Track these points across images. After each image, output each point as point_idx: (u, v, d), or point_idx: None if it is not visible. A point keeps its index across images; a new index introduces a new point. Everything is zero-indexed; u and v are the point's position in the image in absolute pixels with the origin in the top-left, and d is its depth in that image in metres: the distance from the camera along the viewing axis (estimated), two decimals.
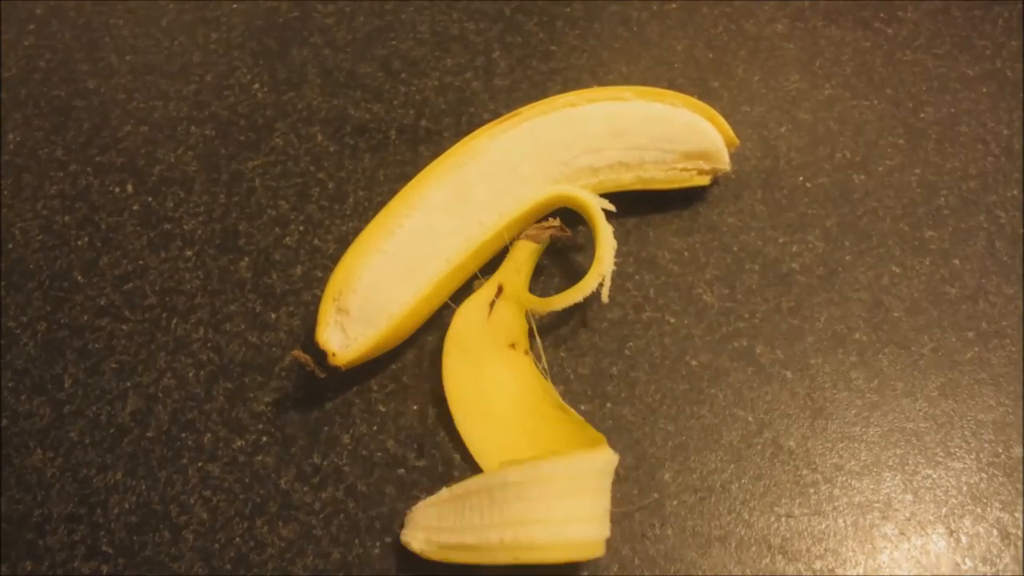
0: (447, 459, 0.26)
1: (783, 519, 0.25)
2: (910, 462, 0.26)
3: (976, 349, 0.28)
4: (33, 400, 0.27)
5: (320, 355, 0.25)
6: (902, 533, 0.24)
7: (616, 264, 0.30)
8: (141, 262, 0.30)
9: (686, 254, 0.30)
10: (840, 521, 0.25)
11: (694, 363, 0.27)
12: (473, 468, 0.25)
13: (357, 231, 0.30)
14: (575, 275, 0.29)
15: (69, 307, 0.29)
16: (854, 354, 0.28)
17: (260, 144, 0.33)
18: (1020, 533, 0.24)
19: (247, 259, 0.30)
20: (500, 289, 0.26)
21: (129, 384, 0.27)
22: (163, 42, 0.36)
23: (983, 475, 0.25)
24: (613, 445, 0.26)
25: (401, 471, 0.25)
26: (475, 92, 0.34)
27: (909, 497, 0.25)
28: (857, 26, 0.37)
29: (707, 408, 0.26)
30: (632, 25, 0.37)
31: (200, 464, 0.25)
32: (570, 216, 0.28)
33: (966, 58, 0.36)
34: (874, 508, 0.25)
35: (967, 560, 0.24)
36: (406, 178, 0.32)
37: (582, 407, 0.27)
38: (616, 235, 0.27)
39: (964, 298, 0.29)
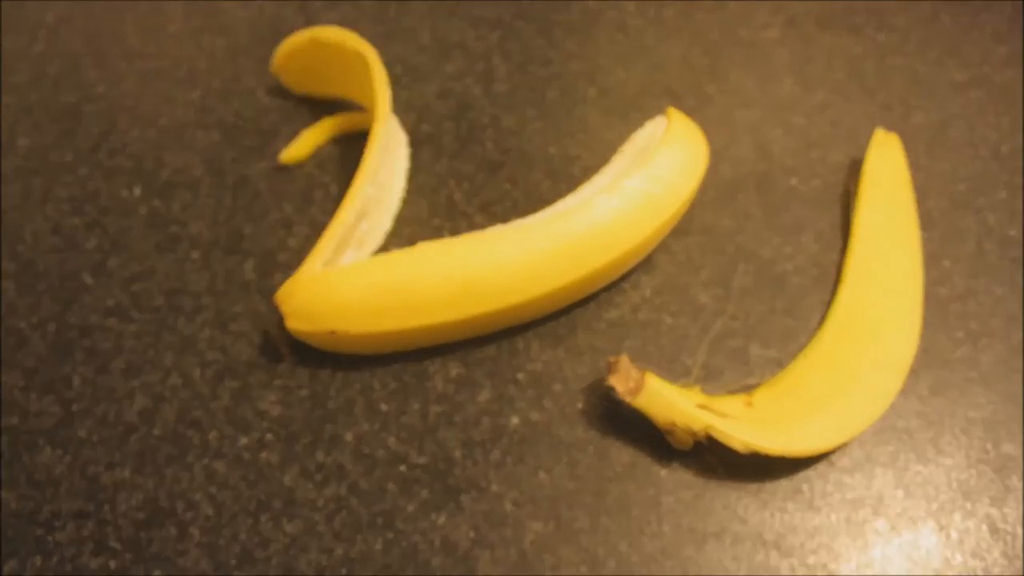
0: (448, 456, 0.26)
1: (777, 515, 0.25)
2: (901, 459, 0.26)
3: (966, 348, 0.28)
4: (42, 399, 0.27)
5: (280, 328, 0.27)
6: (893, 528, 0.25)
7: None
8: (148, 263, 0.30)
9: (682, 255, 0.30)
10: (833, 517, 0.25)
11: (689, 362, 0.28)
12: (472, 464, 0.26)
13: None
14: None
15: (78, 308, 0.29)
16: None
17: (265, 148, 0.33)
18: (1009, 528, 0.25)
19: (252, 260, 0.30)
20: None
21: (136, 383, 0.27)
22: (170, 49, 0.37)
23: (973, 471, 0.26)
24: (610, 445, 0.26)
25: (403, 468, 0.26)
26: (475, 97, 0.35)
27: (900, 493, 0.25)
28: (849, 32, 0.37)
29: None
30: (629, 31, 0.37)
31: (206, 461, 0.26)
32: None
33: (955, 63, 0.36)
34: (866, 504, 0.25)
35: (957, 555, 0.24)
36: (406, 179, 0.33)
37: (579, 406, 0.27)
38: None
39: (954, 298, 0.29)
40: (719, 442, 0.24)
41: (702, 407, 0.25)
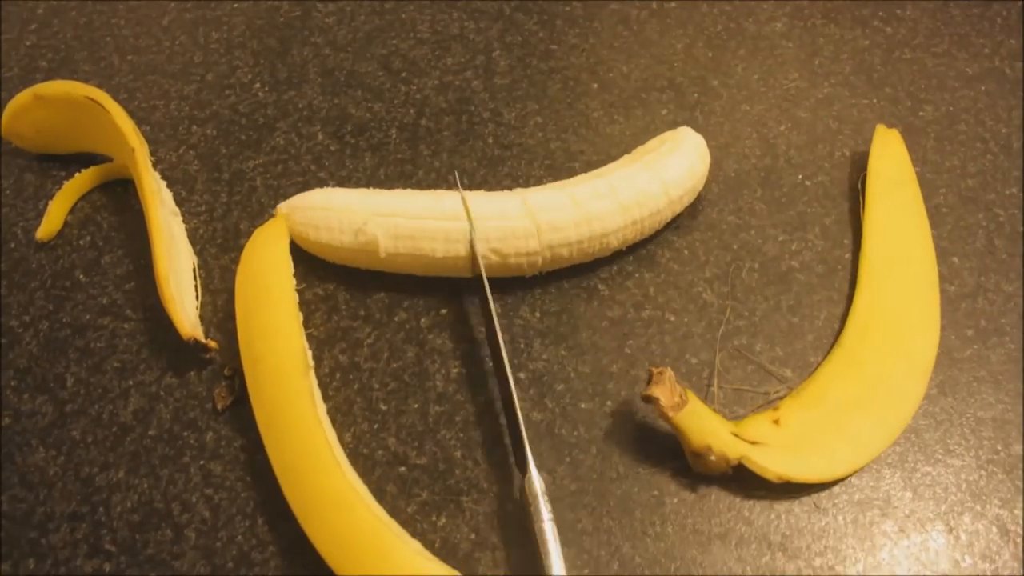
0: (448, 457, 0.26)
1: (783, 516, 0.25)
2: (909, 459, 0.26)
3: (975, 347, 0.28)
4: (36, 399, 0.27)
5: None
6: (901, 530, 0.24)
7: (616, 262, 0.30)
8: (143, 261, 0.30)
9: (686, 252, 0.30)
10: (840, 518, 0.25)
11: (694, 361, 0.28)
12: (472, 465, 0.25)
13: None
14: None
15: (71, 306, 0.29)
16: None
17: (261, 143, 0.33)
18: (1019, 530, 0.24)
19: None
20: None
21: (131, 383, 0.27)
22: (164, 42, 0.36)
23: (982, 472, 0.25)
24: (613, 446, 0.26)
25: (402, 469, 0.25)
26: (475, 91, 0.35)
27: (908, 494, 0.25)
28: (856, 25, 0.37)
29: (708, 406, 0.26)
30: (632, 24, 0.37)
31: (202, 462, 0.25)
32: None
33: (964, 56, 0.36)
34: (874, 505, 0.25)
35: (966, 557, 0.24)
36: (406, 177, 0.32)
37: (582, 405, 0.27)
38: None
39: (963, 296, 0.29)
40: (747, 468, 0.24)
41: (734, 434, 0.24)
